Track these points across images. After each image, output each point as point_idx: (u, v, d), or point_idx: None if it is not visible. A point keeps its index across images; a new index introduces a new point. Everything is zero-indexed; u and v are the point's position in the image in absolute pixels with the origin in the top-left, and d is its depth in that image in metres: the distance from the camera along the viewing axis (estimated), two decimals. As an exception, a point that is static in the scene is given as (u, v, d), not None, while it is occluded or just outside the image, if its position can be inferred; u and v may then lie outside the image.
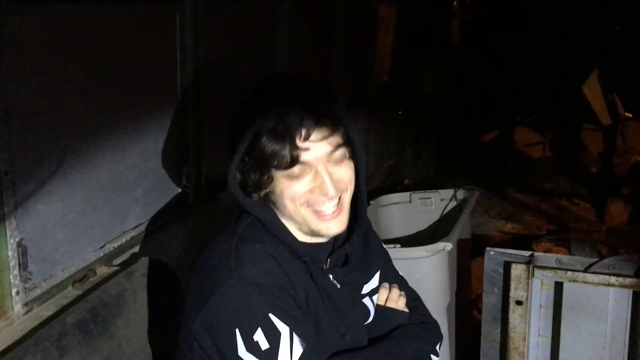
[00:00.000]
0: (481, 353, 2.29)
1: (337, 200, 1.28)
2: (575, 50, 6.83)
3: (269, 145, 1.21)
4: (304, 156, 1.22)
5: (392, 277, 1.52)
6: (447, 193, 3.52)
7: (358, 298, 1.41)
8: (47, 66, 1.53)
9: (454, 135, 6.57)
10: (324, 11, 3.64)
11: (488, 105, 6.92)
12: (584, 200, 4.95)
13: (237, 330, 1.17)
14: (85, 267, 1.72)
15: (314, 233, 1.30)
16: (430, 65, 6.31)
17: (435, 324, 1.52)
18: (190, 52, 2.13)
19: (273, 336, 1.18)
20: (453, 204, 3.51)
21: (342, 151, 1.27)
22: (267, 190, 1.27)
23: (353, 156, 1.30)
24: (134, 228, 1.93)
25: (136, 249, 1.93)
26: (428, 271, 2.72)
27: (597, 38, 7.05)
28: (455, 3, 7.55)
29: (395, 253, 2.72)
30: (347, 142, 1.27)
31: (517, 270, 2.12)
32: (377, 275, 1.47)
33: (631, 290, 2.06)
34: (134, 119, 1.90)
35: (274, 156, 1.21)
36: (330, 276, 1.34)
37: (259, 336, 1.17)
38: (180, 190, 2.21)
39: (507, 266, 2.18)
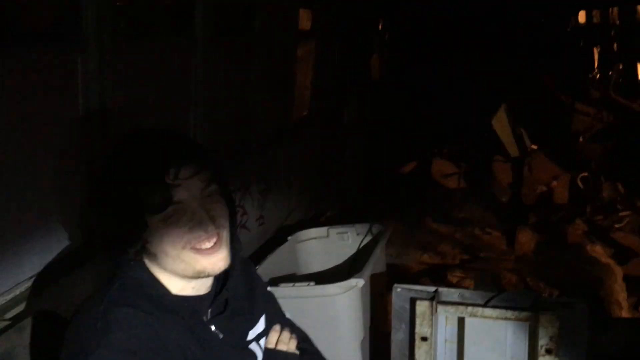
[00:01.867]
0: (391, 389, 2.33)
1: (215, 237, 1.27)
2: (485, 85, 7.22)
3: (138, 190, 1.20)
4: (177, 196, 1.22)
5: (279, 319, 1.52)
6: (363, 227, 3.59)
7: (245, 344, 1.40)
8: None
9: (376, 166, 6.74)
10: (241, 51, 3.67)
11: (407, 137, 7.16)
12: (495, 229, 5.19)
13: None
14: (-27, 323, 1.63)
15: (199, 274, 1.28)
16: (351, 98, 6.47)
17: None
18: (95, 97, 2.08)
19: None
20: (369, 237, 3.58)
21: (214, 187, 1.28)
22: (143, 241, 1.24)
23: (223, 194, 1.30)
24: (29, 278, 1.85)
25: (31, 300, 1.84)
26: (341, 308, 2.76)
27: (505, 74, 7.50)
28: (375, 39, 7.82)
29: (309, 291, 2.75)
30: (217, 179, 1.28)
31: (421, 306, 2.19)
32: (262, 319, 1.47)
33: (527, 324, 2.17)
34: (34, 164, 1.84)
35: (145, 200, 1.20)
36: (213, 327, 1.33)
37: None
38: (83, 234, 2.13)
39: (413, 302, 2.25)
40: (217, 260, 1.27)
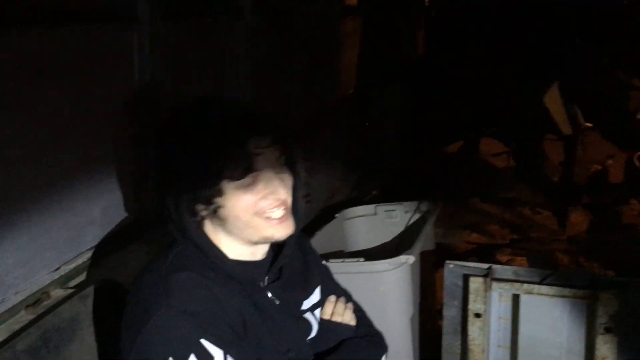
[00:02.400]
0: (442, 366, 2.32)
1: (284, 205, 1.31)
2: (537, 61, 6.99)
3: (221, 156, 1.22)
4: (257, 164, 1.25)
5: (334, 290, 1.54)
6: (411, 205, 3.56)
7: (299, 314, 1.42)
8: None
9: (420, 146, 6.65)
10: (285, 26, 3.66)
11: (453, 116, 7.02)
12: (546, 209, 5.05)
13: (170, 359, 1.17)
14: (39, 290, 1.69)
15: (266, 240, 1.32)
16: (396, 77, 6.38)
17: (379, 335, 1.55)
18: (148, 72, 2.12)
19: None
20: (417, 215, 3.55)
21: (284, 157, 1.31)
22: (217, 206, 1.26)
23: (288, 165, 1.33)
24: (90, 249, 1.90)
25: (92, 270, 1.90)
26: (391, 284, 2.74)
27: (558, 50, 7.24)
28: (420, 16, 7.68)
29: (359, 267, 2.74)
30: (288, 150, 1.32)
31: (475, 283, 2.16)
32: (317, 290, 1.49)
33: (585, 302, 2.12)
34: (90, 139, 1.88)
35: (226, 167, 1.22)
36: (269, 293, 1.35)
37: None
38: (139, 208, 2.18)
39: (465, 279, 2.22)
40: (285, 227, 1.31)
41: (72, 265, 1.82)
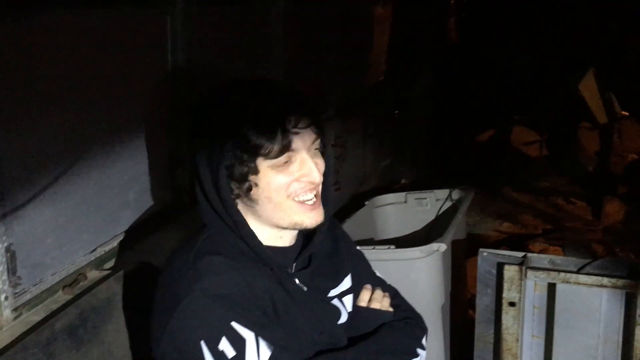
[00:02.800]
0: (475, 354, 2.29)
1: (315, 190, 1.29)
2: (571, 48, 6.82)
3: (258, 133, 1.20)
4: (294, 143, 1.23)
5: (367, 278, 1.51)
6: (443, 193, 3.52)
7: (326, 300, 1.41)
8: (35, 72, 1.52)
9: (451, 134, 6.57)
10: (318, 11, 3.64)
11: (484, 104, 6.91)
12: (580, 199, 4.95)
13: (202, 342, 1.17)
14: (75, 272, 1.71)
15: (295, 225, 1.30)
16: (427, 63, 6.30)
17: (419, 317, 1.52)
18: (182, 55, 2.12)
19: (238, 343, 1.18)
20: (448, 203, 3.50)
21: (319, 141, 1.30)
22: (251, 184, 1.25)
23: (321, 150, 1.32)
24: (125, 231, 1.93)
25: (128, 252, 1.93)
26: (422, 272, 2.72)
27: (594, 36, 7.05)
28: (452, 1, 7.55)
29: (390, 254, 2.72)
30: (322, 134, 1.30)
31: (509, 271, 2.12)
32: (347, 278, 1.46)
33: (624, 292, 2.06)
34: (125, 123, 1.90)
35: (263, 145, 1.21)
36: (297, 280, 1.34)
37: (224, 345, 1.17)
38: (173, 192, 2.20)
39: (500, 267, 2.18)
40: (316, 214, 1.30)
41: (107, 248, 1.84)
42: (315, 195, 1.29)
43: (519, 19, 7.72)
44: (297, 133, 1.23)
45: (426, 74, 6.26)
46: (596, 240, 4.20)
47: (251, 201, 1.28)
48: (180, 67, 2.12)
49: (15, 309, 1.52)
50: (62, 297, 1.65)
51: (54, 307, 1.60)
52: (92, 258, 1.78)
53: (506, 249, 3.93)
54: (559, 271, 2.11)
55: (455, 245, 2.91)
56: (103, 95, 1.78)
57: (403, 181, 5.63)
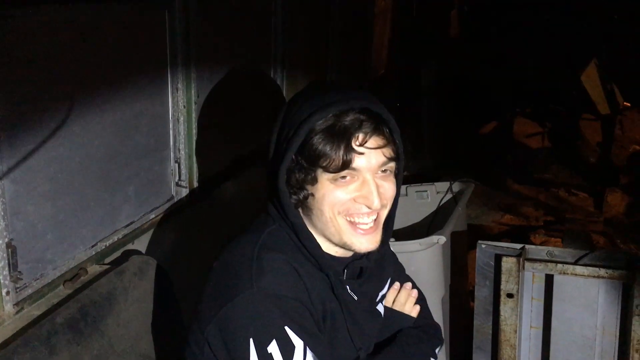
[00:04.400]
0: (474, 345, 2.31)
1: (375, 215, 1.24)
2: (573, 39, 6.79)
3: (323, 144, 1.17)
4: (357, 162, 1.19)
5: (400, 277, 1.53)
6: (443, 186, 3.52)
7: (373, 306, 1.41)
8: (34, 68, 1.53)
9: (453, 127, 6.56)
10: (320, 5, 3.63)
11: (486, 97, 6.90)
12: (582, 190, 4.95)
13: (251, 339, 1.16)
14: (76, 266, 1.73)
15: (344, 245, 1.26)
16: (429, 57, 6.29)
17: (437, 327, 1.54)
18: (181, 50, 2.13)
19: (287, 349, 1.16)
20: (449, 196, 3.51)
21: (392, 165, 1.24)
22: (308, 193, 1.23)
23: (397, 174, 1.27)
24: (125, 226, 1.94)
25: (128, 247, 1.95)
26: (422, 264, 2.73)
27: (596, 27, 7.01)
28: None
29: (390, 247, 2.74)
30: (397, 158, 1.24)
31: (507, 263, 2.13)
32: (388, 282, 1.48)
33: (621, 283, 2.07)
34: (125, 119, 1.91)
35: (325, 156, 1.18)
36: (348, 288, 1.33)
37: (273, 348, 1.16)
38: (173, 187, 2.22)
39: (498, 259, 2.19)
40: (367, 241, 1.25)
41: (107, 242, 1.86)
42: (373, 220, 1.24)
43: (521, 10, 7.68)
44: (362, 153, 1.18)
45: (429, 66, 6.25)
46: (598, 231, 4.20)
47: (307, 209, 1.26)
48: (180, 62, 2.13)
49: (16, 304, 1.54)
50: (63, 291, 1.67)
51: (55, 301, 1.62)
52: (93, 253, 1.80)
53: (507, 241, 3.94)
54: (557, 262, 2.12)
55: (455, 238, 2.92)
56: (103, 90, 1.79)
57: (405, 173, 5.63)
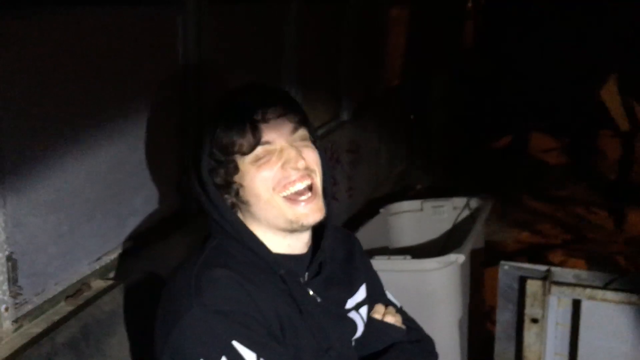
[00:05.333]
0: (494, 372, 2.20)
1: (309, 181, 1.23)
2: (593, 54, 6.68)
3: (228, 130, 1.20)
4: (267, 134, 1.20)
5: (379, 294, 1.47)
6: (460, 201, 3.43)
7: (343, 312, 1.35)
8: (42, 73, 1.47)
9: (467, 140, 6.46)
10: (333, 13, 3.56)
11: (501, 110, 6.80)
12: (601, 208, 4.82)
13: None
14: (79, 281, 1.65)
15: (291, 224, 1.24)
16: (442, 67, 6.21)
17: (430, 341, 1.47)
18: (193, 57, 2.06)
19: None
20: (466, 212, 3.41)
21: (303, 132, 1.25)
22: (237, 185, 1.22)
23: (314, 141, 1.28)
24: (131, 239, 1.86)
25: (134, 261, 1.86)
26: (439, 284, 2.63)
27: (616, 42, 6.90)
28: (469, 4, 7.44)
29: (405, 265, 2.64)
30: (306, 124, 1.26)
31: (532, 286, 2.03)
32: (363, 288, 1.41)
33: (654, 310, 1.96)
34: (133, 127, 1.84)
35: (235, 140, 1.20)
36: (310, 291, 1.28)
37: None
38: (181, 198, 2.14)
39: (522, 281, 2.10)
40: (312, 210, 1.24)
41: (112, 256, 1.78)
42: (309, 189, 1.24)
43: (538, 22, 7.59)
44: (267, 123, 1.21)
45: (443, 78, 6.16)
46: (619, 251, 4.07)
47: (244, 204, 1.25)
48: (191, 69, 2.06)
49: (15, 321, 1.46)
50: (64, 307, 1.58)
51: (56, 318, 1.53)
52: (97, 267, 1.72)
53: (525, 260, 3.83)
54: (585, 287, 2.01)
55: (473, 256, 2.82)
56: (111, 97, 1.73)
57: (418, 187, 5.53)
